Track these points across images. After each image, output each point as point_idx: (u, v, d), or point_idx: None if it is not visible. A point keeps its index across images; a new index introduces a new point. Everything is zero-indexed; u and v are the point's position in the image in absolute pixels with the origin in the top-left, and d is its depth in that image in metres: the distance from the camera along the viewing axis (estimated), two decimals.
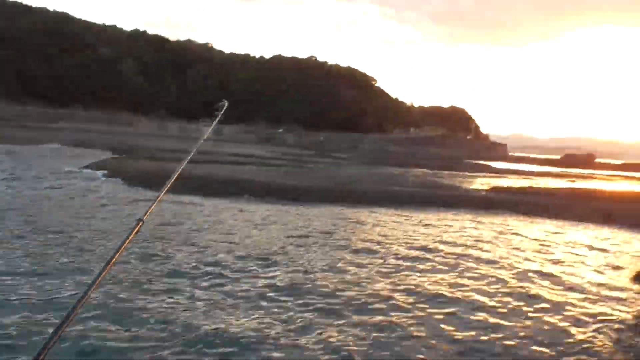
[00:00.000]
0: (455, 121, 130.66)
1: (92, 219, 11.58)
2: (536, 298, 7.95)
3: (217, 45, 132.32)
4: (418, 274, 8.88)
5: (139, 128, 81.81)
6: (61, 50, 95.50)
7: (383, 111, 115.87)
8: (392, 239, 11.91)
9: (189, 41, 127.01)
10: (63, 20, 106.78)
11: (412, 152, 73.33)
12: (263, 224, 12.79)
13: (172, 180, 2.25)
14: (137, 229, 1.89)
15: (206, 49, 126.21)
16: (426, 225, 14.64)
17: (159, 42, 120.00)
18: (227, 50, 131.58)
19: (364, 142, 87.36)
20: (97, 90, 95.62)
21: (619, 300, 8.22)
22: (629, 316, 7.43)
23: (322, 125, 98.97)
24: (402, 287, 7.93)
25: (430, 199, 19.95)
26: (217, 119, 2.91)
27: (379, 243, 11.36)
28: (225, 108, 2.93)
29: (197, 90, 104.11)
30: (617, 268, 10.74)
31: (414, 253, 10.60)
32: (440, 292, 7.89)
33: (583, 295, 8.29)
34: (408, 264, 9.57)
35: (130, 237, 1.84)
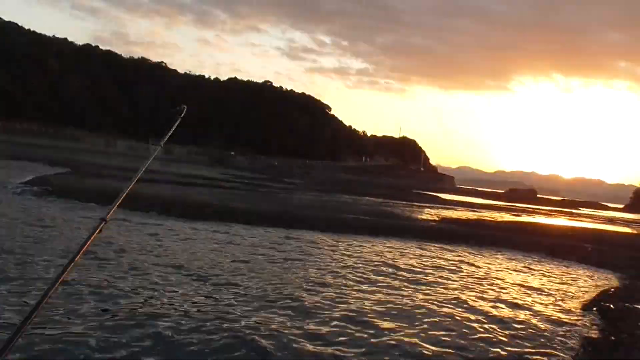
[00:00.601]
0: (406, 152, 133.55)
1: (28, 239, 10.93)
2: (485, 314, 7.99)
3: (172, 66, 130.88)
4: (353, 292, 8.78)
5: (84, 144, 79.37)
6: (4, 60, 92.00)
7: (336, 139, 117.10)
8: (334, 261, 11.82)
9: (142, 59, 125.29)
10: (8, 29, 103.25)
11: (364, 181, 74.14)
12: (216, 247, 12.44)
13: (132, 184, 2.28)
14: (99, 228, 1.90)
15: (159, 67, 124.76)
16: (376, 250, 14.63)
17: (110, 58, 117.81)
18: (181, 70, 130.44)
19: (317, 169, 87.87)
20: (42, 103, 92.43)
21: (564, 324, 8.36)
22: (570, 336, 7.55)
23: (275, 149, 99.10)
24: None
25: (378, 227, 20.04)
26: (176, 124, 2.68)
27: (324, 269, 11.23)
28: (184, 113, 2.70)
29: (147, 109, 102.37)
30: (564, 300, 10.98)
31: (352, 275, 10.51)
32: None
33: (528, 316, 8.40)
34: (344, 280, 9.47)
35: (93, 236, 1.84)
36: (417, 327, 7.61)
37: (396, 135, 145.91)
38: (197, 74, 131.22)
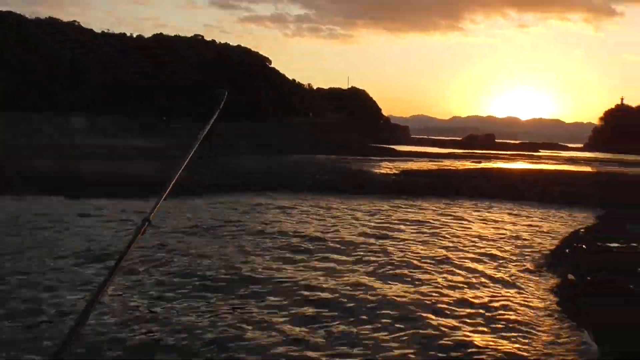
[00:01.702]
0: (356, 104, 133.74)
1: None
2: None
3: (87, 25, 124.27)
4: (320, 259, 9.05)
5: None
6: None
7: (280, 95, 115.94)
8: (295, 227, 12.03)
9: (50, 19, 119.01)
10: None
11: (314, 138, 74.21)
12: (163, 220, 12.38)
13: (176, 177, 2.32)
14: (143, 230, 1.91)
15: (72, 27, 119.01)
16: (335, 212, 14.91)
17: (13, 20, 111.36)
18: (97, 30, 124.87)
19: (262, 129, 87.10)
20: None
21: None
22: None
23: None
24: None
25: (337, 186, 20.33)
26: (218, 113, 2.55)
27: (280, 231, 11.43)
28: (225, 98, 2.60)
29: (64, 76, 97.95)
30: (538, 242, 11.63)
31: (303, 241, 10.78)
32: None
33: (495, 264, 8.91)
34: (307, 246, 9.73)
35: (136, 239, 1.87)
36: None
37: (344, 87, 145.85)
38: (116, 32, 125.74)
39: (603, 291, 7.38)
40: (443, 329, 6.21)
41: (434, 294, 7.61)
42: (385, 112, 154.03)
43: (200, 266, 8.56)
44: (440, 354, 5.59)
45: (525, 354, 5.65)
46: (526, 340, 6.01)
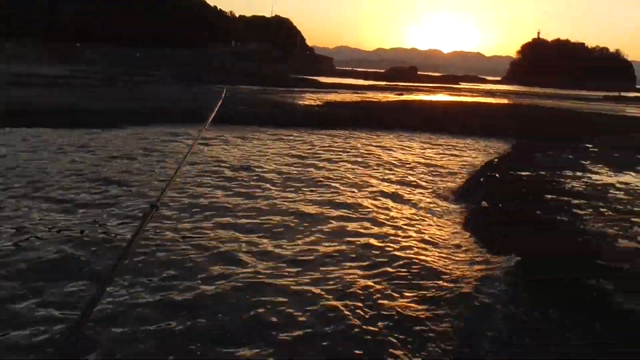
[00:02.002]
0: (280, 33, 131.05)
1: None
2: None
3: None
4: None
5: None
6: None
7: (200, 22, 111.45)
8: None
9: None
10: None
11: (237, 68, 72.43)
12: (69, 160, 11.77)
13: (187, 155, 2.44)
14: (150, 215, 1.92)
15: None
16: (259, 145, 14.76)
17: None
18: None
19: (182, 57, 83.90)
20: None
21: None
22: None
23: (132, 39, 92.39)
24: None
25: (259, 117, 20.07)
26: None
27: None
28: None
29: None
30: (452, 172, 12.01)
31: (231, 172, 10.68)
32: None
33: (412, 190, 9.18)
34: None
35: (144, 225, 1.86)
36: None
37: (268, 15, 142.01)
38: None
39: (514, 219, 7.73)
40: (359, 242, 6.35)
41: (353, 214, 7.75)
42: (309, 43, 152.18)
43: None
44: (363, 263, 5.74)
45: (441, 268, 5.91)
46: (440, 260, 6.25)
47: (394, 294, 5.23)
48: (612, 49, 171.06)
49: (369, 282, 5.46)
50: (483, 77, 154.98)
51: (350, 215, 8.02)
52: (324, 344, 4.22)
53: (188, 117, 18.04)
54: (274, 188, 9.49)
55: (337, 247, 6.53)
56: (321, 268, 5.82)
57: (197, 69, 62.43)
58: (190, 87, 35.77)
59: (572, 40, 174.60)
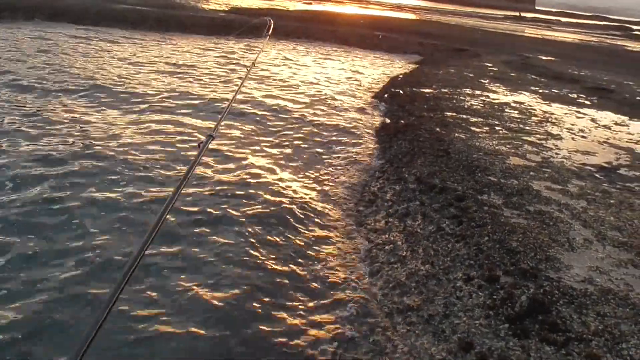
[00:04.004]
0: None
1: None
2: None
3: None
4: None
5: None
6: None
7: None
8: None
9: None
10: None
11: None
12: None
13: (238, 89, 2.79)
14: (207, 145, 2.08)
15: None
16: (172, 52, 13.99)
17: None
18: None
19: None
20: None
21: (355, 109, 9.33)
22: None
23: None
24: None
25: (162, 20, 18.94)
26: None
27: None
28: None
29: None
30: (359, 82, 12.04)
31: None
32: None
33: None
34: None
35: (201, 154, 2.01)
36: None
37: None
38: None
39: (412, 133, 7.91)
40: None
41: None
42: None
43: None
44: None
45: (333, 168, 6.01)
46: (336, 162, 6.35)
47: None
48: None
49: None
50: None
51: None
52: None
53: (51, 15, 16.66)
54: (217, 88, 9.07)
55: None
56: None
57: None
58: None
59: None
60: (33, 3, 17.59)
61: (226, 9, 26.54)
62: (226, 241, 4.65)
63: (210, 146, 2.12)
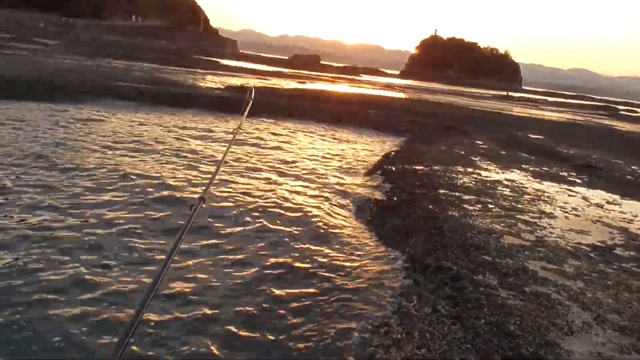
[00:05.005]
0: (182, 10, 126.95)
1: None
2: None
3: None
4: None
5: None
6: None
7: None
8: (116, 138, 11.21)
9: None
10: None
11: (135, 44, 69.24)
12: None
13: (227, 151, 2.81)
14: (198, 208, 2.09)
15: None
16: (165, 126, 14.15)
17: None
18: None
19: (77, 28, 79.05)
20: None
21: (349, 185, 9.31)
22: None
23: (17, 1, 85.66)
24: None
25: (160, 96, 19.34)
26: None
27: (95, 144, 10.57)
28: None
29: None
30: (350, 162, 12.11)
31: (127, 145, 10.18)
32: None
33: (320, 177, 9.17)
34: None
35: (192, 218, 2.00)
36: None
37: None
38: None
39: (406, 211, 7.88)
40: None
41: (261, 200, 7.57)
42: (214, 24, 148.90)
43: None
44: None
45: (336, 261, 5.90)
46: (336, 252, 6.24)
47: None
48: (501, 51, 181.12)
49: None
50: (383, 70, 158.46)
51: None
52: None
53: (71, 94, 16.95)
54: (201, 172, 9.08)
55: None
56: None
57: (93, 41, 59.02)
58: (85, 61, 33.68)
59: (466, 39, 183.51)
60: (32, 77, 17.94)
61: (222, 87, 27.12)
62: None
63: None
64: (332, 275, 5.69)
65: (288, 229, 7.00)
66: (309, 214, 7.83)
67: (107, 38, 72.22)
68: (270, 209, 7.78)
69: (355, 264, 6.07)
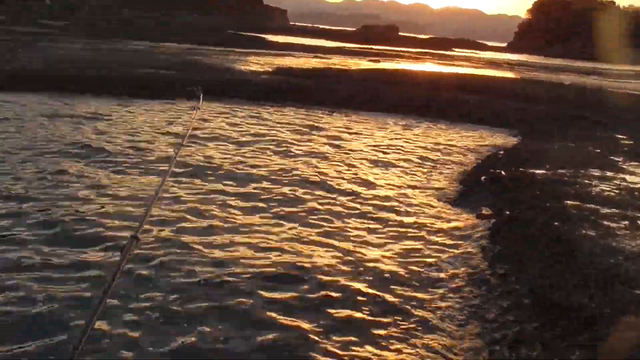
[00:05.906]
0: None
1: None
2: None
3: None
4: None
5: None
6: None
7: None
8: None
9: None
10: None
11: (160, 20, 71.46)
12: None
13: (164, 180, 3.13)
14: (132, 247, 2.32)
15: None
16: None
17: None
18: None
19: (87, 4, 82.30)
20: None
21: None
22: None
23: None
24: None
25: (189, 85, 19.82)
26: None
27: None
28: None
29: None
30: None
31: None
32: None
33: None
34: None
35: (126, 258, 2.24)
36: None
37: None
38: None
39: (523, 230, 7.74)
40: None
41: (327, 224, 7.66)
42: None
43: None
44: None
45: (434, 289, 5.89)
46: (434, 283, 6.21)
47: None
48: None
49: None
50: (483, 42, 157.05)
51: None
52: None
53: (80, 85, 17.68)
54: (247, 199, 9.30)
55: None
56: None
57: (107, 19, 61.33)
58: (99, 44, 35.12)
59: None
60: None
61: (270, 71, 27.55)
62: None
63: None
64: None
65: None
66: (405, 223, 7.86)
67: (125, 14, 74.79)
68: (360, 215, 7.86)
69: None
